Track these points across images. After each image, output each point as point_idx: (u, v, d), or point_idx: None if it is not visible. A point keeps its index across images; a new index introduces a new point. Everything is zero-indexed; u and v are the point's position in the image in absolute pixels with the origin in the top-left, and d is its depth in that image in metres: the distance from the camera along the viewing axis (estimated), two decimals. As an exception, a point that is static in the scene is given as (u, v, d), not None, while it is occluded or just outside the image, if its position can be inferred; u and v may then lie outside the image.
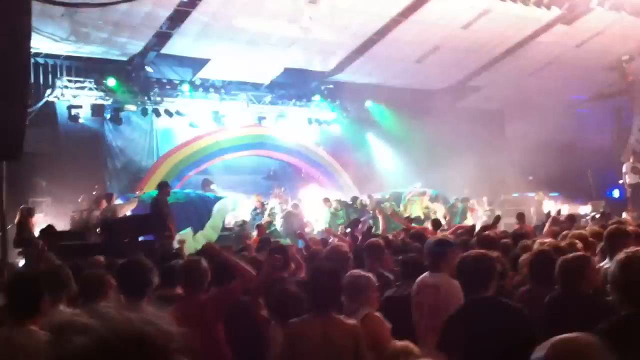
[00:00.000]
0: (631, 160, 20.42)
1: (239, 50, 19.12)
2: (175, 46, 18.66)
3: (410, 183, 22.22)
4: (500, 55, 21.95)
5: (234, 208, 17.97)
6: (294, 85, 22.82)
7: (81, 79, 18.86)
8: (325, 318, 4.31)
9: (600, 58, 22.77)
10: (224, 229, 17.14)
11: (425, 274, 5.64)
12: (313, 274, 4.69)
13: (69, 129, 18.69)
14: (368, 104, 23.49)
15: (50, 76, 18.89)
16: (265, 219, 17.23)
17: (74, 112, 18.45)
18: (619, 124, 27.10)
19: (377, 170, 23.36)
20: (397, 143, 23.33)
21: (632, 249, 3.58)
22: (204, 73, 20.46)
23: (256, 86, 21.92)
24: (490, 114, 26.07)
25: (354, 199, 19.77)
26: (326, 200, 19.26)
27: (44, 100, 18.13)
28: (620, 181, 21.31)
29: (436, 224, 12.62)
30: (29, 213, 13.59)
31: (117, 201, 15.28)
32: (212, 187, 19.21)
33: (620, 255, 3.50)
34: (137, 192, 16.85)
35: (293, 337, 4.27)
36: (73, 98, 18.49)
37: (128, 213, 14.54)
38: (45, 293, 4.03)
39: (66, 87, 18.41)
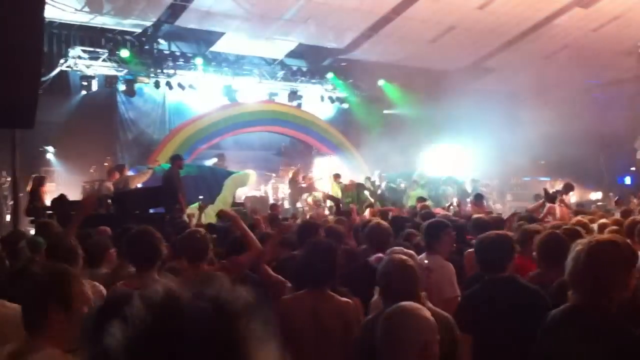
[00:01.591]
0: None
1: (253, 24, 19.04)
2: (189, 19, 18.59)
3: (421, 164, 22.21)
4: (515, 37, 21.76)
5: (245, 182, 17.98)
6: (308, 61, 22.75)
7: (94, 50, 18.86)
8: (317, 294, 4.29)
9: (617, 43, 22.54)
10: (234, 203, 17.19)
11: (422, 254, 5.63)
12: (309, 250, 4.64)
13: (81, 99, 18.74)
14: (381, 83, 23.37)
15: (63, 46, 18.92)
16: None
17: (86, 82, 18.50)
18: (633, 110, 26.86)
19: (388, 150, 23.29)
20: (409, 123, 23.23)
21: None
22: (217, 47, 20.41)
23: (269, 62, 21.85)
24: (504, 96, 25.88)
25: (367, 179, 19.63)
26: (337, 176, 19.17)
27: (57, 70, 18.17)
28: (633, 168, 21.18)
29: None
30: (40, 182, 13.69)
31: (129, 173, 15.31)
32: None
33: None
34: (150, 165, 16.87)
35: (283, 313, 4.26)
36: (86, 68, 18.53)
37: (140, 185, 14.57)
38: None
39: (79, 57, 18.43)
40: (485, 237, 4.59)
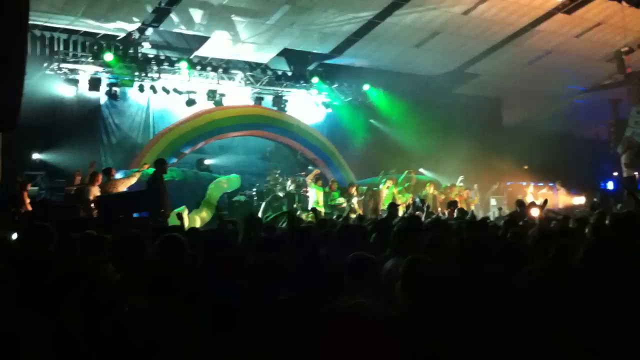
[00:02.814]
0: (627, 152, 20.46)
1: (238, 29, 19.03)
2: (173, 23, 18.56)
3: (406, 167, 22.30)
4: (499, 42, 21.91)
5: (230, 187, 17.95)
6: (293, 66, 22.76)
7: (78, 53, 18.79)
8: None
9: (599, 49, 22.78)
10: (218, 208, 17.15)
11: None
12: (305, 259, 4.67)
13: (65, 102, 18.64)
14: (366, 87, 23.41)
15: (47, 49, 18.82)
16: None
17: (70, 86, 18.40)
18: (615, 116, 27.14)
19: (373, 154, 23.34)
20: (394, 128, 23.30)
21: None
22: (202, 51, 20.37)
23: (254, 66, 21.83)
24: (488, 101, 26.07)
25: (351, 184, 19.60)
26: (318, 179, 19.23)
27: (41, 73, 18.05)
28: (615, 173, 21.38)
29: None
30: (23, 187, 13.59)
31: (117, 176, 15.22)
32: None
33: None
34: (138, 168, 16.76)
35: None
36: (70, 72, 18.43)
37: (126, 189, 14.48)
38: None
39: (64, 60, 18.35)
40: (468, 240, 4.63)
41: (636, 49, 21.99)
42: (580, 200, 21.58)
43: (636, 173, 20.11)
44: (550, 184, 22.95)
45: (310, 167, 20.83)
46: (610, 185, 23.46)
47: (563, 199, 21.61)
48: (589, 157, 23.63)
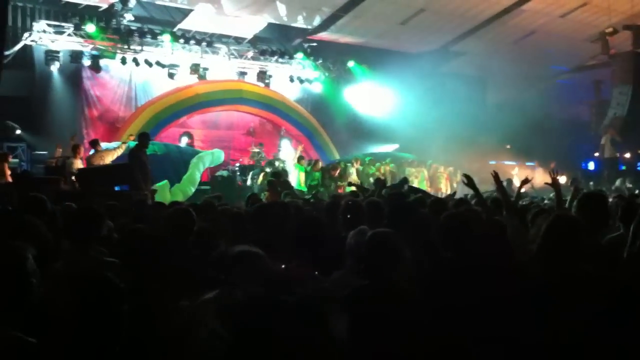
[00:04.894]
0: (609, 134, 20.56)
1: (223, 2, 18.85)
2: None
3: (389, 144, 22.35)
4: (484, 21, 21.91)
5: (212, 162, 17.86)
6: (277, 41, 22.60)
7: (60, 24, 18.48)
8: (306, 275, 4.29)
9: (584, 30, 22.84)
10: (201, 183, 17.09)
11: None
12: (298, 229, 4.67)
13: (45, 74, 18.37)
14: (350, 64, 23.32)
15: (28, 19, 18.54)
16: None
17: (51, 57, 18.13)
18: (598, 97, 27.27)
19: (357, 131, 23.32)
20: (377, 104, 23.25)
21: None
22: (185, 24, 20.16)
23: (238, 40, 21.64)
24: (472, 80, 26.06)
25: (334, 167, 19.47)
26: (300, 158, 19.16)
27: (21, 44, 17.78)
28: (596, 154, 21.53)
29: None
30: (3, 158, 13.44)
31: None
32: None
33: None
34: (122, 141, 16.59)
35: None
36: (51, 43, 18.15)
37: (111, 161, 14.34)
38: None
39: (44, 31, 18.04)
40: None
41: (620, 30, 22.06)
42: (561, 179, 21.70)
43: (618, 154, 20.25)
44: (530, 164, 23.08)
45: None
46: (591, 166, 23.63)
47: (541, 178, 21.73)
48: (571, 137, 23.74)
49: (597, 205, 4.85)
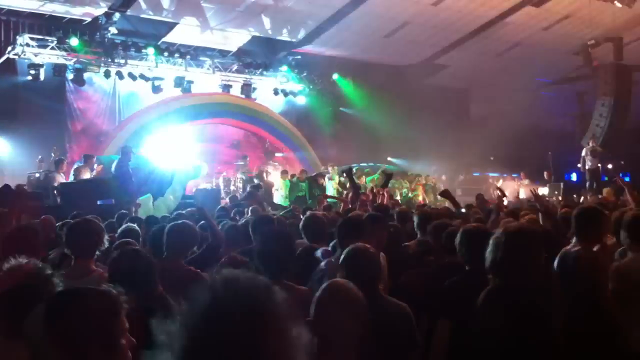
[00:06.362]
0: (590, 144, 20.68)
1: (207, 15, 18.86)
2: (141, 8, 18.32)
3: (375, 157, 22.35)
4: (468, 34, 22.03)
5: (196, 175, 17.79)
6: (262, 54, 22.61)
7: (43, 37, 18.39)
8: (276, 284, 4.21)
9: (567, 42, 23.00)
10: (184, 196, 17.00)
11: None
12: (263, 241, 4.57)
13: (29, 87, 18.25)
14: (335, 77, 23.37)
15: (11, 33, 18.45)
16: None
17: (34, 70, 18.00)
18: (581, 109, 27.48)
19: (341, 144, 23.34)
20: (362, 117, 23.30)
21: None
22: (170, 37, 20.15)
23: (223, 53, 21.65)
24: (456, 92, 26.21)
25: (320, 175, 19.53)
26: (284, 172, 19.23)
27: (4, 57, 17.72)
28: (579, 165, 21.60)
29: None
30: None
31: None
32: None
33: None
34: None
35: None
36: (34, 56, 18.04)
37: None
38: None
39: (28, 44, 17.93)
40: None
41: (602, 43, 22.27)
42: (544, 190, 21.78)
43: (600, 165, 20.33)
44: (515, 175, 23.17)
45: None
46: (574, 177, 23.72)
47: (526, 189, 21.82)
48: (555, 149, 23.86)
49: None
